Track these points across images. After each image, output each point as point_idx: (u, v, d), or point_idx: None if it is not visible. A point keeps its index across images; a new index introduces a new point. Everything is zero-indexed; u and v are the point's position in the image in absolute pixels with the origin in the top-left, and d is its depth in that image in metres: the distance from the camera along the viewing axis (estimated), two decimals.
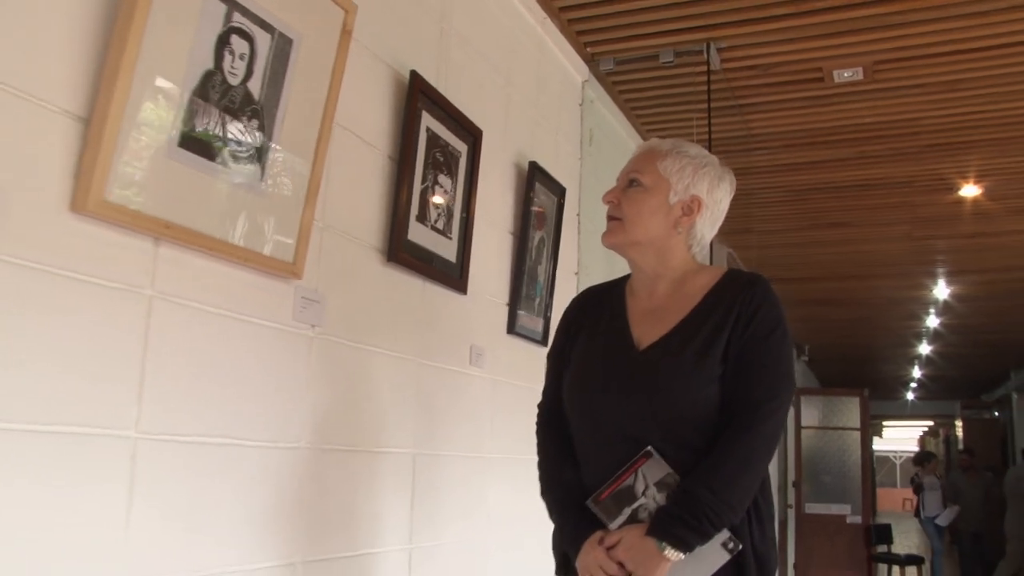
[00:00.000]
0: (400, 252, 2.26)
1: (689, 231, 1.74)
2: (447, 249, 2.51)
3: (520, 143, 3.10)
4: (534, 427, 1.88)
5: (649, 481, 1.59)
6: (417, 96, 2.32)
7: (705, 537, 1.54)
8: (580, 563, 1.64)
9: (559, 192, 3.31)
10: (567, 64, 3.62)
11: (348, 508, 2.09)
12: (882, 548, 10.69)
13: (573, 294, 3.48)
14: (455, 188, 2.55)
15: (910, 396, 18.70)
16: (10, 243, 1.32)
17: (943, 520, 10.48)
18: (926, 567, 10.40)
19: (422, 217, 2.37)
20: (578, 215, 3.64)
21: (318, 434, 1.99)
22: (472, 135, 2.64)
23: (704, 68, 3.68)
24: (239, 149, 1.70)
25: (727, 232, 4.52)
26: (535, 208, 3.09)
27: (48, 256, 1.38)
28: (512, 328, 2.95)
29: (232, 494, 1.74)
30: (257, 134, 1.74)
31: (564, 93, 3.61)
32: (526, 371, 3.06)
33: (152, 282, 1.57)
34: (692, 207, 1.73)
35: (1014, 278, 7.59)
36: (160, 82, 1.51)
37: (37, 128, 1.37)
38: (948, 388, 17.13)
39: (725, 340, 1.63)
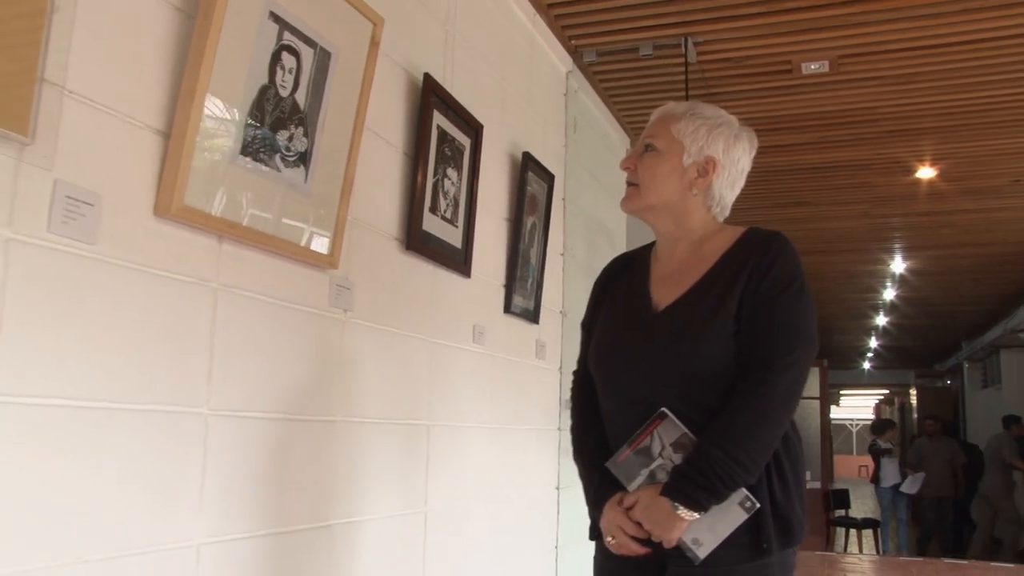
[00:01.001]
0: (416, 241, 2.47)
1: (706, 192, 1.73)
2: (454, 236, 2.73)
3: (514, 134, 3.31)
4: (526, 400, 2.02)
5: (665, 442, 1.60)
6: (430, 96, 2.53)
7: (718, 496, 1.53)
8: (603, 524, 1.68)
9: (549, 179, 3.53)
10: (553, 56, 3.82)
11: (375, 475, 2.31)
12: (840, 512, 11.14)
13: (560, 274, 3.73)
14: (460, 180, 2.76)
15: (866, 366, 19.26)
16: (105, 245, 1.52)
17: (909, 488, 10.49)
18: (882, 534, 10.63)
19: (434, 208, 2.59)
20: (563, 199, 3.87)
21: (349, 409, 2.21)
22: (474, 129, 2.85)
23: (681, 61, 3.91)
24: (288, 154, 1.90)
25: None
26: (528, 195, 3.31)
27: (135, 255, 1.58)
28: (508, 308, 3.17)
29: (285, 464, 1.96)
30: (303, 140, 1.94)
31: (550, 84, 3.83)
32: (520, 347, 3.29)
33: (217, 275, 1.77)
34: (707, 168, 1.71)
35: (966, 254, 7.98)
36: (226, 99, 1.71)
37: (126, 142, 1.57)
38: (903, 358, 17.68)
39: (738, 296, 1.60)
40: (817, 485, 10.83)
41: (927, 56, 3.91)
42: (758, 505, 1.55)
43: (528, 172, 3.29)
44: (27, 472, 1.36)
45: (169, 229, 1.65)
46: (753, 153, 1.79)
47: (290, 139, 1.90)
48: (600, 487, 1.69)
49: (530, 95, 3.54)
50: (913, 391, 17.66)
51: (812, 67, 4.04)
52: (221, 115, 1.70)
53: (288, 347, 1.99)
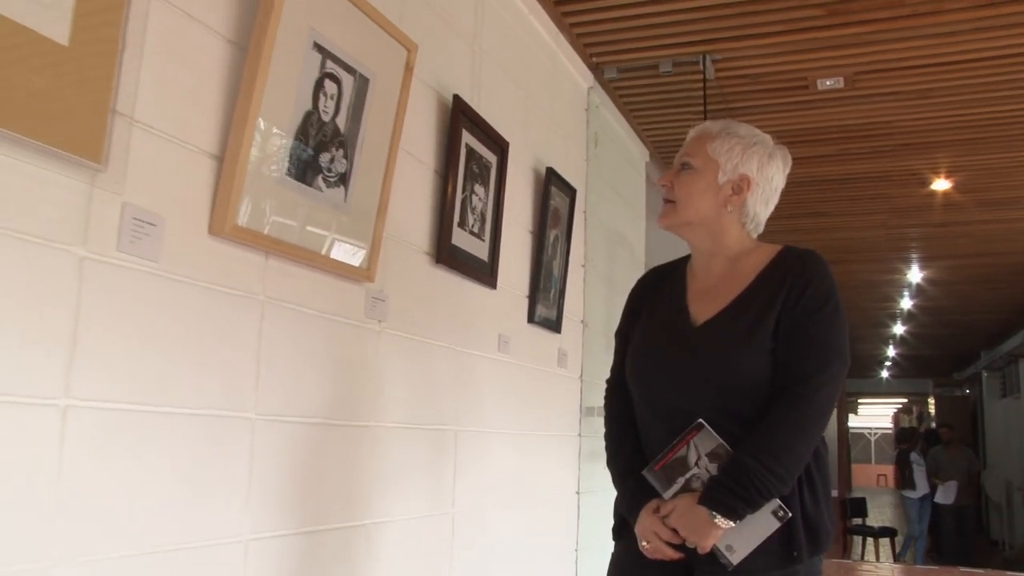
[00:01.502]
0: (445, 255, 2.59)
1: (741, 209, 1.78)
2: (480, 250, 2.85)
3: (538, 150, 3.43)
4: (548, 407, 2.10)
5: (701, 452, 1.65)
6: (459, 117, 2.65)
7: (754, 506, 1.59)
8: (638, 529, 1.73)
9: (571, 193, 3.64)
10: (575, 73, 3.94)
11: (407, 478, 2.43)
12: (857, 521, 11.17)
13: (581, 285, 3.85)
14: (487, 195, 2.88)
15: (884, 374, 19.25)
16: (166, 262, 1.64)
17: (944, 498, 10.23)
18: (912, 544, 10.43)
19: (462, 223, 2.71)
20: (584, 212, 3.98)
21: (382, 415, 2.32)
22: (500, 147, 2.96)
23: (700, 77, 4.02)
24: (330, 175, 2.02)
25: None
26: (551, 209, 3.42)
27: (191, 271, 1.70)
28: (532, 318, 3.29)
29: (323, 466, 2.08)
30: (343, 161, 2.06)
31: (572, 100, 3.94)
32: (542, 356, 3.40)
33: (264, 289, 1.90)
34: (742, 186, 1.76)
35: (983, 264, 8.03)
36: (274, 124, 1.84)
37: (184, 166, 1.69)
38: (921, 367, 17.66)
39: (776, 314, 1.66)
40: (834, 493, 10.88)
41: (941, 73, 4.00)
42: (790, 515, 1.61)
43: (551, 186, 3.40)
44: (99, 470, 1.48)
45: (221, 247, 1.77)
46: (787, 171, 1.85)
47: (331, 161, 2.02)
48: (637, 493, 1.74)
49: (552, 111, 3.66)
50: (931, 400, 17.63)
51: (828, 83, 4.14)
52: (270, 140, 1.83)
53: (327, 356, 2.11)
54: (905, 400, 22.66)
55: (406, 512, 2.43)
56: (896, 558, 10.41)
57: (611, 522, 1.90)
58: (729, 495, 1.59)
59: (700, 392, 1.68)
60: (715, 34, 3.71)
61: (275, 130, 1.84)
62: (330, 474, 2.10)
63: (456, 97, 2.66)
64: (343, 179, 2.07)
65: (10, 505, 1.33)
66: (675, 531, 1.66)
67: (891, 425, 26.48)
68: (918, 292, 9.60)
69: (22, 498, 1.35)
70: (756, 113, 4.52)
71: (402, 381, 2.42)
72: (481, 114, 2.84)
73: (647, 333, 1.84)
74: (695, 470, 1.66)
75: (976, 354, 14.80)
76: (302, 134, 1.92)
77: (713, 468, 1.64)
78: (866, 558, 10.43)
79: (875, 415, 28.16)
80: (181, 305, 1.68)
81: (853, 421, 21.70)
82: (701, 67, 3.93)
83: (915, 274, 8.68)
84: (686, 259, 1.91)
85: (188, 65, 1.70)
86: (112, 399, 1.51)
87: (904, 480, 10.92)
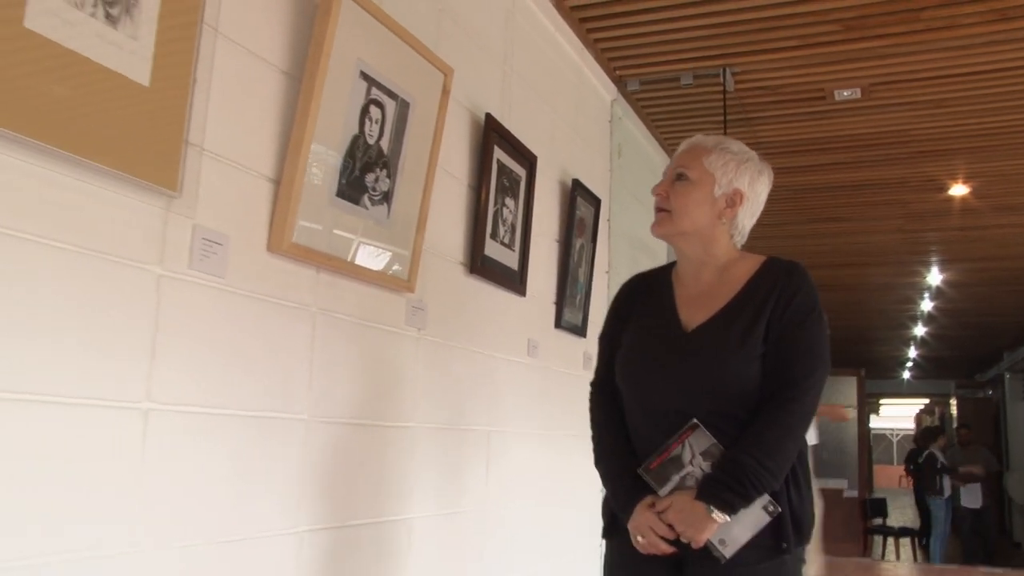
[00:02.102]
0: (478, 265, 2.74)
1: (732, 222, 1.87)
2: (511, 259, 3.00)
3: (564, 162, 3.58)
4: (574, 409, 2.17)
5: (695, 451, 1.74)
6: (491, 134, 2.80)
7: (748, 501, 1.68)
8: (632, 524, 1.79)
9: (596, 203, 3.79)
10: (599, 86, 4.08)
11: (444, 476, 2.58)
12: (877, 521, 11.24)
13: (604, 291, 3.99)
14: (517, 207, 3.03)
15: (906, 375, 19.22)
16: (231, 277, 1.80)
17: (972, 501, 10.06)
18: (940, 546, 10.27)
19: (494, 234, 2.85)
20: (608, 221, 4.12)
21: (421, 417, 2.48)
22: (529, 161, 3.11)
23: (720, 89, 4.15)
24: (374, 194, 2.17)
25: None
26: (577, 218, 3.57)
27: (252, 285, 1.86)
28: (559, 323, 3.43)
29: (368, 464, 2.23)
30: (386, 180, 2.22)
31: (596, 113, 4.08)
32: (569, 359, 3.55)
33: (315, 301, 2.05)
34: (735, 199, 1.85)
35: (1002, 267, 8.10)
36: (325, 149, 1.99)
37: (246, 189, 1.85)
38: (943, 368, 17.65)
39: (766, 322, 1.76)
40: (855, 494, 10.96)
41: (956, 83, 4.11)
42: (780, 509, 1.71)
43: (577, 197, 3.55)
44: (175, 467, 1.64)
45: (278, 262, 1.93)
46: (770, 187, 1.94)
47: (376, 180, 2.18)
48: (631, 491, 1.81)
49: (578, 124, 3.80)
50: (953, 401, 17.61)
51: (844, 94, 4.26)
52: (322, 163, 1.98)
53: (371, 362, 2.26)
54: (927, 401, 22.61)
55: (442, 508, 2.58)
56: (929, 558, 10.37)
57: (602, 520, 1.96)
58: (725, 490, 1.68)
59: (695, 394, 1.76)
60: (735, 48, 3.84)
61: (326, 154, 2.00)
62: (375, 472, 2.25)
63: (488, 116, 2.81)
64: (386, 197, 2.23)
65: (101, 498, 1.49)
66: (671, 527, 1.73)
67: (913, 426, 26.41)
68: (938, 294, 9.66)
69: (111, 491, 1.51)
70: (774, 123, 4.64)
71: (439, 385, 2.57)
72: (511, 130, 2.99)
73: (638, 338, 1.90)
74: (689, 468, 1.74)
75: (998, 355, 14.79)
76: (350, 156, 2.07)
77: (706, 466, 1.72)
78: (886, 558, 10.49)
79: (897, 416, 28.07)
80: (243, 317, 1.83)
81: (875, 422, 21.69)
82: (721, 79, 4.06)
83: (935, 277, 8.74)
84: (671, 266, 2.00)
85: (249, 96, 1.86)
86: (185, 403, 1.67)
87: (928, 482, 10.69)
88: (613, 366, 1.93)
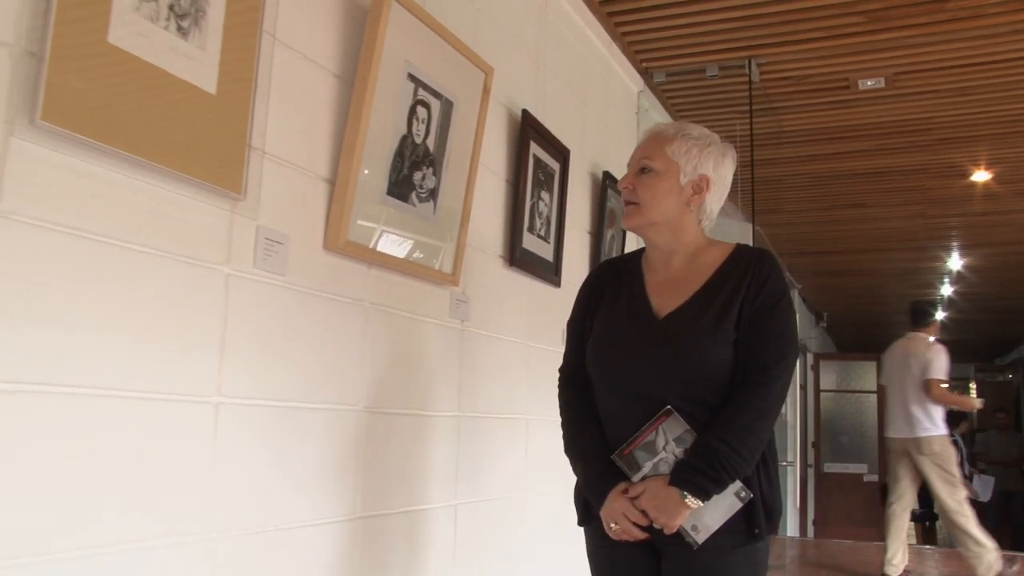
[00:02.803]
0: (517, 258, 2.81)
1: (700, 207, 1.86)
2: (546, 251, 3.07)
3: (594, 154, 3.64)
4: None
5: (669, 437, 1.73)
6: (527, 130, 2.87)
7: (722, 486, 1.68)
8: (605, 511, 1.78)
9: None
10: (626, 78, 4.14)
11: (490, 461, 2.66)
12: None
13: None
14: (552, 200, 3.09)
15: None
16: (291, 275, 1.88)
17: (983, 493, 9.24)
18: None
19: (531, 228, 2.92)
20: None
21: (465, 406, 2.56)
22: (562, 154, 3.18)
23: (745, 80, 4.20)
24: (421, 191, 2.25)
25: (758, 212, 5.07)
26: (607, 210, 3.63)
27: (310, 282, 1.94)
28: None
29: (421, 451, 2.31)
30: (432, 178, 2.29)
31: (624, 105, 4.14)
32: None
33: (367, 295, 2.13)
34: (701, 186, 1.84)
35: (1023, 251, 8.11)
36: (377, 149, 2.06)
37: (304, 190, 1.93)
38: (962, 352, 17.56)
39: (737, 308, 1.76)
40: (875, 478, 10.98)
41: (981, 71, 4.15)
42: (751, 495, 1.71)
43: (608, 189, 3.61)
44: (244, 458, 1.73)
45: (334, 259, 2.01)
46: (735, 167, 1.92)
47: (423, 178, 2.25)
48: (604, 476, 1.79)
49: (607, 117, 3.86)
50: (973, 385, 17.59)
51: (868, 83, 4.30)
52: (374, 163, 2.05)
53: (419, 353, 2.34)
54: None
55: (492, 492, 2.66)
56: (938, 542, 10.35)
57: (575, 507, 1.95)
58: (699, 475, 1.67)
59: (667, 380, 1.75)
60: (760, 40, 3.89)
61: (378, 154, 2.07)
62: (423, 459, 2.34)
63: (525, 112, 2.87)
64: (432, 194, 2.30)
65: (175, 487, 1.58)
66: (645, 513, 1.72)
67: None
68: (958, 279, 9.67)
69: (184, 481, 1.60)
70: (798, 112, 4.69)
71: (481, 374, 2.65)
72: (545, 125, 3.05)
73: (611, 324, 1.88)
74: (663, 454, 1.73)
75: (1019, 339, 14.77)
76: (399, 156, 2.15)
77: (680, 452, 1.72)
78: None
79: None
80: (302, 313, 1.91)
81: None
82: (747, 71, 4.11)
83: (955, 262, 8.76)
84: (639, 253, 1.99)
85: (304, 99, 1.93)
86: (253, 396, 1.75)
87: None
88: (583, 353, 1.91)
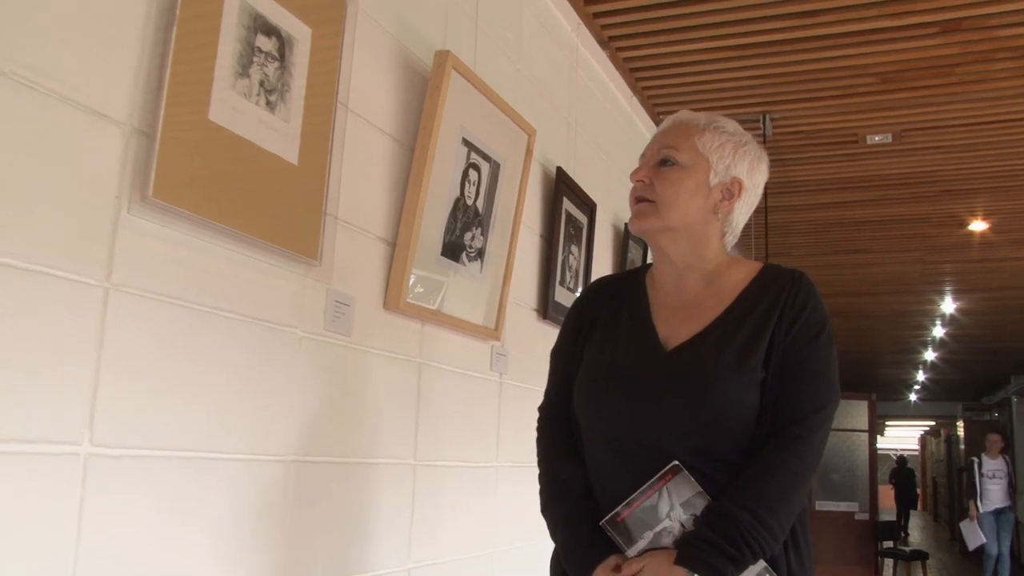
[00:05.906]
0: (549, 310, 2.90)
1: (726, 217, 1.53)
2: None
3: (616, 207, 3.74)
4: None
5: (675, 501, 1.39)
6: (561, 187, 2.96)
7: (741, 567, 1.33)
8: None
9: (644, 245, 3.95)
10: (645, 132, 4.25)
11: (524, 514, 2.73)
12: (888, 544, 11.34)
13: None
14: (580, 253, 3.19)
15: (913, 397, 19.38)
16: (356, 335, 1.96)
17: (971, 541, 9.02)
18: (986, 567, 9.38)
19: (562, 280, 3.02)
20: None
21: (502, 456, 2.63)
22: (590, 208, 3.28)
23: (760, 134, 4.33)
24: (471, 251, 2.34)
25: (772, 255, 5.22)
26: (628, 260, 3.73)
27: (372, 341, 2.02)
28: None
29: (465, 502, 2.38)
30: (480, 238, 2.38)
31: None
32: None
33: (420, 352, 2.21)
34: (733, 190, 1.51)
35: (1015, 296, 8.29)
36: (434, 212, 2.15)
37: (367, 252, 2.01)
38: (950, 390, 17.81)
39: (768, 341, 1.42)
40: (866, 517, 11.06)
41: (986, 130, 4.29)
42: None
43: (629, 240, 3.71)
44: (311, 513, 1.79)
45: (392, 319, 2.09)
46: (767, 177, 1.59)
47: (472, 239, 2.34)
48: (591, 548, 1.43)
49: (627, 169, 3.94)
50: (960, 423, 17.75)
51: (876, 138, 4.44)
52: (431, 225, 2.14)
53: (463, 407, 2.42)
54: (933, 423, 22.73)
55: (520, 542, 2.73)
56: None
57: None
58: (716, 553, 1.32)
59: (676, 428, 1.41)
60: (775, 97, 4.03)
61: (435, 216, 2.16)
62: (469, 510, 2.40)
63: (559, 169, 2.97)
64: (480, 253, 2.39)
65: (259, 534, 1.64)
66: None
67: (918, 447, 26.51)
68: (950, 321, 9.85)
69: (270, 528, 1.66)
70: (807, 164, 4.82)
71: (516, 426, 2.73)
72: (575, 179, 3.15)
73: (605, 356, 1.53)
74: (666, 523, 1.39)
75: (1006, 379, 14.96)
76: (452, 217, 2.24)
77: (688, 520, 1.38)
78: None
79: (902, 437, 28.18)
80: (365, 370, 1.99)
81: (880, 443, 21.77)
82: (761, 125, 4.24)
83: (948, 305, 8.94)
84: (642, 270, 1.66)
85: (370, 165, 2.02)
86: (319, 454, 1.82)
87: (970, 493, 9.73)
88: (569, 389, 1.58)
